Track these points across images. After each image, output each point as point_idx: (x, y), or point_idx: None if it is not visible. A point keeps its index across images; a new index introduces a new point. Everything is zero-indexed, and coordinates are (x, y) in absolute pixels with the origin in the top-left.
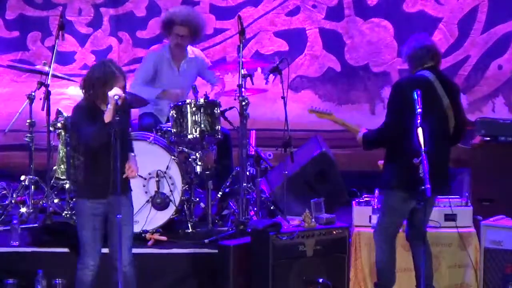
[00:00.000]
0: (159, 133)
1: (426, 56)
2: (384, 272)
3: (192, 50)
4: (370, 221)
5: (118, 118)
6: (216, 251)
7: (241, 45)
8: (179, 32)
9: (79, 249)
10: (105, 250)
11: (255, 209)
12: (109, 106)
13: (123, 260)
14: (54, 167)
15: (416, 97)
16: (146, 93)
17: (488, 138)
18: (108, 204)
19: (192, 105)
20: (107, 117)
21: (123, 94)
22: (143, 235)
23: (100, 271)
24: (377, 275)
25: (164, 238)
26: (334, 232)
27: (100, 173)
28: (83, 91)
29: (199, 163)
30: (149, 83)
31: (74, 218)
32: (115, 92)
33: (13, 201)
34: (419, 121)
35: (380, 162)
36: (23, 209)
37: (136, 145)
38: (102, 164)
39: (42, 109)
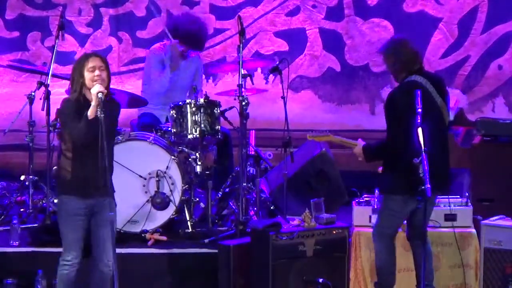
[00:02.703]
0: (159, 133)
1: (414, 59)
2: (384, 272)
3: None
4: (370, 221)
5: (103, 115)
6: (216, 251)
7: (241, 45)
8: (179, 47)
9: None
10: None
11: (255, 209)
12: (92, 103)
13: (108, 261)
14: (54, 167)
15: (416, 97)
16: (166, 79)
17: (488, 138)
18: (92, 204)
19: (192, 105)
20: (91, 114)
21: (106, 90)
22: (143, 235)
23: (81, 272)
24: (377, 276)
25: (164, 238)
26: (334, 232)
27: (87, 171)
28: (71, 88)
29: (199, 163)
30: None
31: None
32: (98, 89)
33: (13, 201)
34: (419, 121)
35: (380, 169)
36: (23, 209)
37: (136, 145)
38: (88, 162)
39: (42, 109)
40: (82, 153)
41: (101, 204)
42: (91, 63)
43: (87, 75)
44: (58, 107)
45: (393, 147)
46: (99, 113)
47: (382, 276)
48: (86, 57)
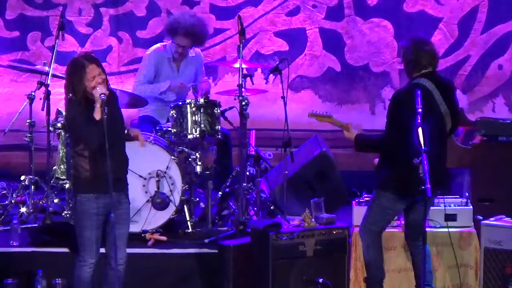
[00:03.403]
0: (159, 133)
1: (425, 62)
2: (372, 267)
3: (193, 50)
4: None
5: (105, 116)
6: (216, 251)
7: (241, 45)
8: (180, 43)
9: (77, 246)
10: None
11: (255, 209)
12: (97, 105)
13: (120, 258)
14: (54, 167)
15: (416, 98)
16: (150, 91)
17: (488, 138)
18: (109, 202)
19: (192, 105)
20: (97, 116)
21: (107, 91)
22: (143, 235)
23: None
24: (366, 270)
25: (164, 238)
26: (334, 232)
27: (104, 167)
28: (68, 94)
29: (199, 163)
30: (152, 82)
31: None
32: (100, 91)
33: (13, 201)
34: (419, 121)
35: (376, 160)
36: (23, 209)
37: (136, 145)
38: (105, 158)
39: (42, 109)
40: (97, 150)
41: (117, 202)
42: (91, 73)
43: (88, 83)
44: (61, 108)
45: (391, 145)
46: (104, 113)
47: (371, 270)
48: (83, 66)
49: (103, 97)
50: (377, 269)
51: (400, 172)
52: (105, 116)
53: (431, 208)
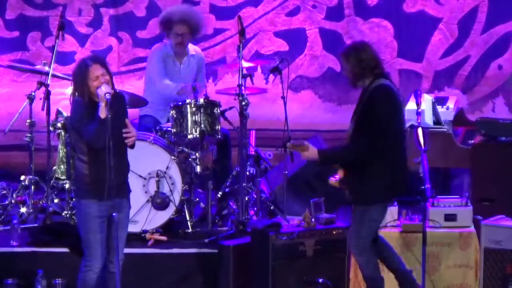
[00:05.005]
0: (159, 133)
1: (376, 65)
2: (374, 280)
3: (194, 48)
4: None
5: (110, 115)
6: (216, 251)
7: (241, 45)
8: (179, 31)
9: (82, 250)
10: None
11: (255, 209)
12: (101, 104)
13: (117, 261)
14: (54, 167)
15: (416, 98)
16: (169, 89)
17: (488, 138)
18: (111, 206)
19: (192, 105)
20: (102, 114)
21: (112, 90)
22: (143, 235)
23: None
24: (366, 283)
25: (164, 238)
26: (334, 232)
27: (104, 172)
28: (75, 94)
29: (199, 163)
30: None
31: (74, 218)
32: (104, 90)
33: (13, 201)
34: (419, 121)
35: (333, 179)
36: (23, 209)
37: (136, 145)
38: (105, 163)
39: (42, 109)
40: (98, 154)
41: (119, 206)
42: (93, 72)
43: (91, 83)
44: (61, 108)
45: (370, 152)
46: (109, 112)
47: (372, 282)
48: (85, 66)
49: (107, 97)
50: (378, 278)
51: (385, 179)
52: (110, 116)
53: (432, 208)
